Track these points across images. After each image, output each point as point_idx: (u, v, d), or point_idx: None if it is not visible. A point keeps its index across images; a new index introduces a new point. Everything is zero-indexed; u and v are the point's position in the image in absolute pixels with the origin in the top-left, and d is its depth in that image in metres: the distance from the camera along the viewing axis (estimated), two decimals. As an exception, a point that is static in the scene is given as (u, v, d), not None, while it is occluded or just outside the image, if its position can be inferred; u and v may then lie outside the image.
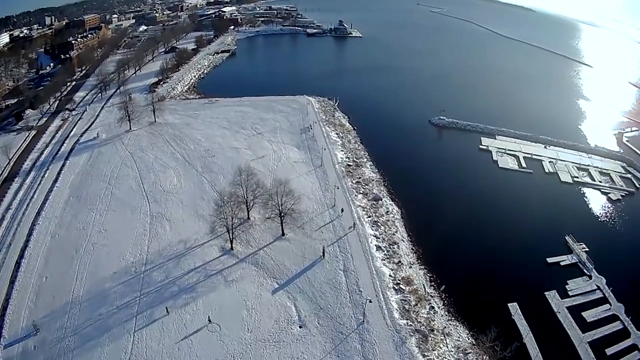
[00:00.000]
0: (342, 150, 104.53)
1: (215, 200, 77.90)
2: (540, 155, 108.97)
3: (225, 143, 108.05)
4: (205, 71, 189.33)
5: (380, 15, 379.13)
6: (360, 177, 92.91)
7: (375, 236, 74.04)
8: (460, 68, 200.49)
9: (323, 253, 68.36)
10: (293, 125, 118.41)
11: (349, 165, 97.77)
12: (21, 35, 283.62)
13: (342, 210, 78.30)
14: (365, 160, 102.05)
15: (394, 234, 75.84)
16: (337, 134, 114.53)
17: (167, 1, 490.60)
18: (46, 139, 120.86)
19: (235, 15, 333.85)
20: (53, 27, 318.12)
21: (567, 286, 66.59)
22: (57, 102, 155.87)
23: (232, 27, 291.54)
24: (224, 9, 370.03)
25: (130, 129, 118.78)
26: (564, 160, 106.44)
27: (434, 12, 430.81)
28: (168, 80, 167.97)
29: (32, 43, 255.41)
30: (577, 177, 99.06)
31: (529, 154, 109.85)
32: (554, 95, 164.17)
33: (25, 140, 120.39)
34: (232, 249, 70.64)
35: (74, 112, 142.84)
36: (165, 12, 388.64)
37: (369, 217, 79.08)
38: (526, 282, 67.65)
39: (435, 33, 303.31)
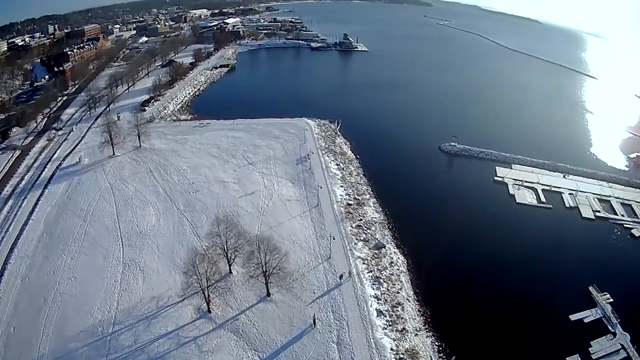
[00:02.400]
0: (341, 186, 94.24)
1: (194, 247, 69.06)
2: (560, 187, 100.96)
3: (212, 175, 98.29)
4: (201, 88, 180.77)
5: (387, 28, 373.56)
6: (361, 219, 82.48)
7: (376, 297, 63.73)
8: (469, 85, 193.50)
9: (314, 321, 58.27)
10: (289, 154, 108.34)
11: (349, 204, 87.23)
12: (19, 44, 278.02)
13: (341, 276, 66.35)
14: (367, 196, 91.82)
15: (398, 292, 65.69)
16: (337, 164, 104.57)
17: (172, 12, 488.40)
18: (28, 162, 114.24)
19: (238, 28, 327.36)
20: (53, 35, 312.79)
21: (590, 348, 59.04)
22: (46, 119, 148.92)
23: (233, 40, 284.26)
24: (227, 21, 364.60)
25: (114, 154, 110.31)
26: (584, 192, 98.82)
27: (441, 24, 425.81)
28: (160, 97, 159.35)
29: (29, 53, 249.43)
30: (599, 211, 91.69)
31: (548, 185, 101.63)
32: (565, 112, 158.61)
33: (8, 162, 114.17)
34: (209, 311, 60.85)
35: (60, 132, 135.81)
36: (167, 23, 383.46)
37: (370, 271, 68.66)
38: (547, 347, 59.13)
39: (443, 47, 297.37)
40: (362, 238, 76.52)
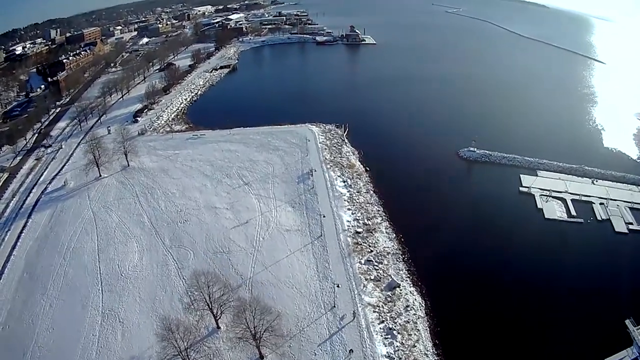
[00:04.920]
0: (349, 209, 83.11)
1: (181, 289, 60.49)
2: (590, 196, 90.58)
3: (202, 199, 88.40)
4: (199, 92, 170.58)
5: (395, 18, 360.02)
6: (371, 251, 71.63)
7: (388, 357, 53.40)
8: (483, 78, 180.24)
9: (315, 396, 48.49)
10: (289, 170, 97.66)
11: (358, 232, 76.21)
12: (18, 52, 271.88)
13: (351, 350, 53.96)
14: (379, 220, 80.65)
15: (414, 346, 55.32)
16: (343, 181, 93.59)
17: (175, 10, 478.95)
18: (15, 186, 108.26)
19: (241, 24, 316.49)
20: (53, 41, 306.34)
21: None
22: (36, 135, 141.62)
23: (236, 37, 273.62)
24: (230, 17, 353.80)
25: (100, 175, 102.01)
26: (615, 200, 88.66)
27: (449, 12, 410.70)
28: (155, 106, 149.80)
29: (25, 62, 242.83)
30: (632, 224, 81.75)
31: (577, 194, 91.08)
32: (582, 104, 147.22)
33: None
34: (193, 379, 51.60)
35: (49, 150, 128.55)
36: (169, 22, 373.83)
37: (382, 322, 58.09)
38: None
39: (453, 36, 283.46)
40: (372, 277, 65.60)
